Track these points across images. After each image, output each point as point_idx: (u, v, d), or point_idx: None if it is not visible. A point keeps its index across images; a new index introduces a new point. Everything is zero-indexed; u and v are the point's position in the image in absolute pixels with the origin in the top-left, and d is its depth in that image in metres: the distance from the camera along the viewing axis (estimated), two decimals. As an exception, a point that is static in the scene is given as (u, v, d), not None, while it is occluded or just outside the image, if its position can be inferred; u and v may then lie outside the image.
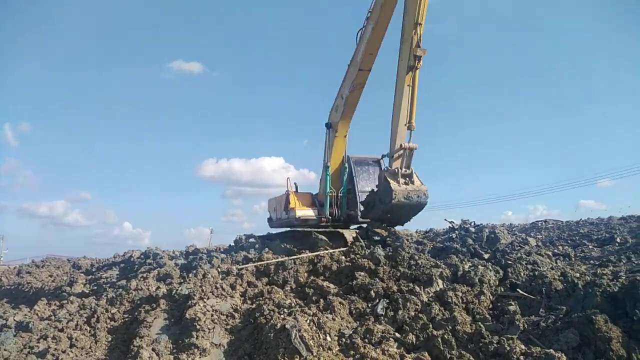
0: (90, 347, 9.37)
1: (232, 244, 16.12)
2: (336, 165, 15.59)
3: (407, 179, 12.74)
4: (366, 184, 16.02)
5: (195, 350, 7.88)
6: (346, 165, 15.63)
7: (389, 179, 12.68)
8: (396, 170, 12.71)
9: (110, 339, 9.71)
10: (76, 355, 9.05)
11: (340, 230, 14.57)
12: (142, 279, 12.24)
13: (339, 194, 15.71)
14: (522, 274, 9.88)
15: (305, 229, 15.35)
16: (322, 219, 15.39)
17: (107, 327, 10.07)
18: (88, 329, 9.97)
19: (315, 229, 14.84)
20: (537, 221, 23.63)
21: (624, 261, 12.05)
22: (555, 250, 14.05)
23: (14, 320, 12.45)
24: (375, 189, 14.06)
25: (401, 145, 12.58)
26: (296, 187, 16.88)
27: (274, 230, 17.40)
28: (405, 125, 12.46)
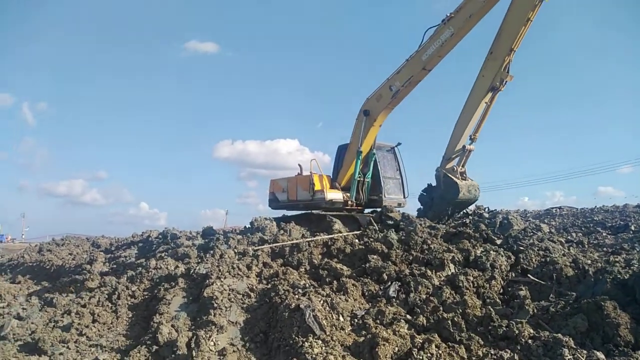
0: (111, 323, 9.74)
1: (248, 225, 16.37)
2: (364, 152, 15.70)
3: (462, 175, 14.07)
4: (387, 170, 16.56)
5: (213, 327, 8.16)
6: (374, 151, 15.77)
7: (451, 176, 13.98)
8: (454, 168, 13.99)
9: (130, 316, 10.08)
10: (98, 330, 9.43)
11: (355, 214, 14.74)
12: (160, 259, 12.59)
13: (366, 179, 15.90)
14: (533, 260, 10.00)
15: (321, 213, 15.54)
16: (349, 202, 15.64)
17: (127, 304, 10.44)
18: (110, 305, 10.36)
19: (331, 213, 15.01)
20: (552, 208, 23.56)
21: (638, 249, 12.08)
22: (569, 237, 14.09)
23: (37, 296, 12.97)
24: (432, 185, 15.31)
25: (464, 146, 13.82)
26: (301, 169, 17.04)
27: (279, 213, 17.73)
28: (470, 135, 13.67)
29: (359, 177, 15.62)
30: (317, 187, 15.59)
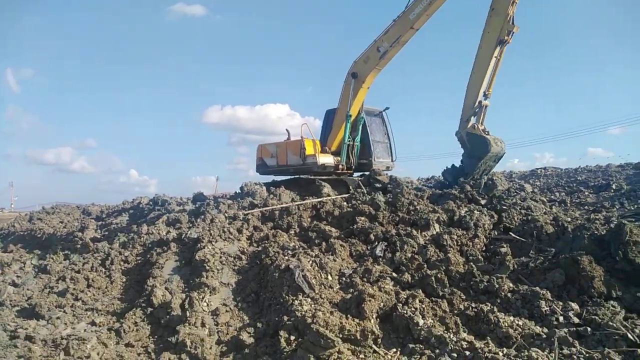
0: (106, 287, 9.97)
1: (239, 190, 16.52)
2: (354, 115, 15.74)
3: (485, 132, 13.60)
4: (376, 134, 16.56)
5: (206, 288, 8.40)
6: (362, 115, 15.83)
7: (475, 133, 13.56)
8: (475, 126, 13.62)
9: (124, 280, 10.30)
10: (93, 295, 9.65)
11: (343, 178, 14.94)
12: (151, 224, 12.76)
13: (355, 143, 16.00)
14: (515, 219, 10.31)
15: (310, 177, 15.68)
16: (339, 166, 15.76)
17: (121, 269, 10.65)
18: (103, 270, 10.56)
19: (321, 177, 15.16)
20: (537, 169, 23.89)
21: (617, 207, 12.46)
22: (552, 197, 14.45)
23: (32, 263, 13.13)
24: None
25: (480, 102, 13.42)
26: (288, 134, 17.10)
27: (268, 179, 17.86)
28: (485, 92, 13.38)
29: (349, 140, 15.70)
30: (309, 151, 15.67)
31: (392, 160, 16.95)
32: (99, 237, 14.79)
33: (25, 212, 35.43)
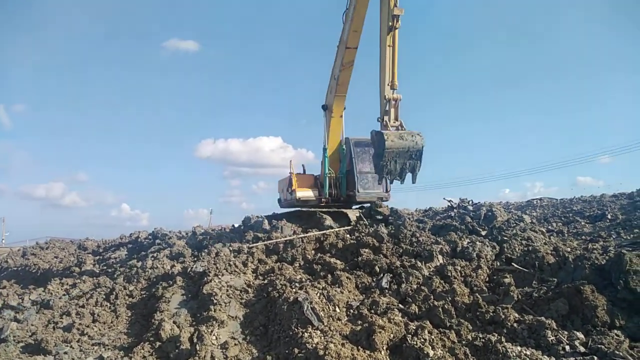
0: (112, 322, 9.97)
1: (235, 224, 16.74)
2: (334, 146, 16.11)
3: (399, 128, 11.98)
4: (365, 165, 16.43)
5: (214, 322, 8.44)
6: (344, 147, 16.15)
7: (379, 130, 11.96)
8: (385, 122, 12.04)
9: (130, 314, 10.31)
10: (100, 330, 9.64)
11: (344, 210, 15.14)
12: (155, 258, 12.81)
13: (339, 175, 16.25)
14: (517, 249, 10.51)
15: (310, 209, 15.91)
16: (322, 199, 15.97)
17: (126, 303, 10.68)
18: (108, 305, 10.57)
19: (320, 209, 15.38)
20: (533, 199, 24.28)
21: (614, 236, 12.72)
22: (549, 227, 14.72)
23: (30, 299, 13.04)
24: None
25: (385, 96, 12.02)
26: (303, 169, 17.52)
27: (280, 211, 18.00)
28: (389, 84, 11.99)
29: (329, 172, 16.07)
30: (293, 186, 16.29)
31: (385, 191, 16.48)
32: (97, 271, 14.80)
33: (18, 247, 35.15)
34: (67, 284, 13.71)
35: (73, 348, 8.76)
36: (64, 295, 12.50)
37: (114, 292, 10.93)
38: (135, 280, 11.59)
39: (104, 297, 10.91)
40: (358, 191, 16.01)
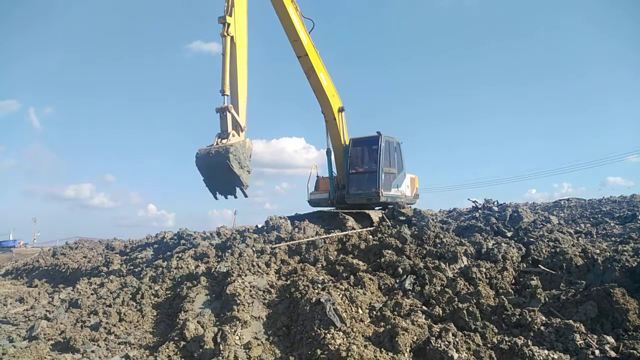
0: (137, 321, 10.12)
1: (259, 224, 16.88)
2: (338, 148, 16.54)
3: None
4: (360, 163, 16.62)
5: (237, 322, 8.50)
6: (342, 149, 16.54)
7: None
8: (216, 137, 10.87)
9: (155, 314, 10.45)
10: (126, 329, 9.80)
11: (367, 211, 15.08)
12: (180, 259, 12.97)
13: (341, 177, 16.70)
14: (543, 251, 10.31)
15: (333, 211, 16.00)
16: (329, 201, 16.72)
17: (151, 302, 10.83)
18: (134, 304, 10.74)
19: (342, 210, 15.37)
20: (560, 200, 23.75)
21: (645, 238, 12.31)
22: (577, 228, 14.35)
23: (59, 298, 13.38)
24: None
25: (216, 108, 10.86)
26: (317, 173, 18.09)
27: (301, 212, 18.17)
28: (220, 91, 10.81)
29: (335, 174, 16.72)
30: (319, 188, 17.19)
31: (375, 190, 15.48)
32: (124, 271, 15.06)
33: (48, 247, 36.11)
34: (95, 283, 14.01)
35: (100, 347, 8.92)
36: (92, 294, 12.79)
37: (140, 292, 11.11)
38: (160, 280, 11.76)
39: (130, 296, 11.09)
40: (348, 192, 16.17)
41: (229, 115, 10.63)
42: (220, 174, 10.47)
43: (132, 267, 15.43)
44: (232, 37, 10.99)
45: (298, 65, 14.67)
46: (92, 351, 8.73)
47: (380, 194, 15.38)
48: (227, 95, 10.76)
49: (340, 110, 16.21)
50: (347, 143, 16.59)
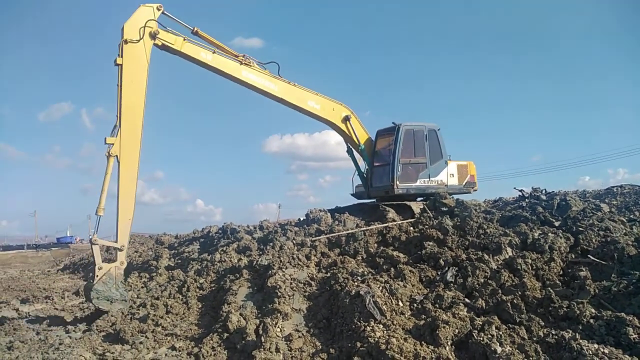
0: (183, 313, 10.43)
1: (304, 217, 16.98)
2: (357, 149, 16.47)
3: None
4: (381, 157, 16.28)
5: (279, 314, 8.60)
6: (362, 146, 16.43)
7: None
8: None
9: (200, 306, 10.74)
10: (172, 321, 10.11)
11: (408, 203, 14.89)
12: (223, 252, 13.25)
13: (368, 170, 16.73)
14: (593, 241, 9.86)
15: (374, 203, 15.97)
16: (367, 195, 16.81)
17: (196, 295, 11.15)
18: (180, 297, 11.09)
19: (383, 202, 15.22)
20: (612, 187, 22.61)
21: None
22: (631, 216, 13.65)
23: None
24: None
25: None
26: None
27: (342, 204, 18.18)
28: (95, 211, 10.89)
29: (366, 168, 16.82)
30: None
31: (390, 182, 15.11)
32: (172, 265, 15.55)
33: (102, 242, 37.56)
34: (145, 277, 14.53)
35: (148, 338, 9.21)
36: (142, 287, 13.27)
37: (186, 285, 11.44)
38: (205, 273, 12.07)
39: (177, 289, 11.44)
40: (371, 186, 16.19)
41: (95, 248, 10.84)
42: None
43: (179, 261, 15.90)
44: (116, 157, 10.59)
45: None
46: (141, 342, 9.02)
47: (396, 186, 14.94)
48: (101, 215, 10.77)
49: (345, 120, 15.78)
50: (363, 142, 16.28)
